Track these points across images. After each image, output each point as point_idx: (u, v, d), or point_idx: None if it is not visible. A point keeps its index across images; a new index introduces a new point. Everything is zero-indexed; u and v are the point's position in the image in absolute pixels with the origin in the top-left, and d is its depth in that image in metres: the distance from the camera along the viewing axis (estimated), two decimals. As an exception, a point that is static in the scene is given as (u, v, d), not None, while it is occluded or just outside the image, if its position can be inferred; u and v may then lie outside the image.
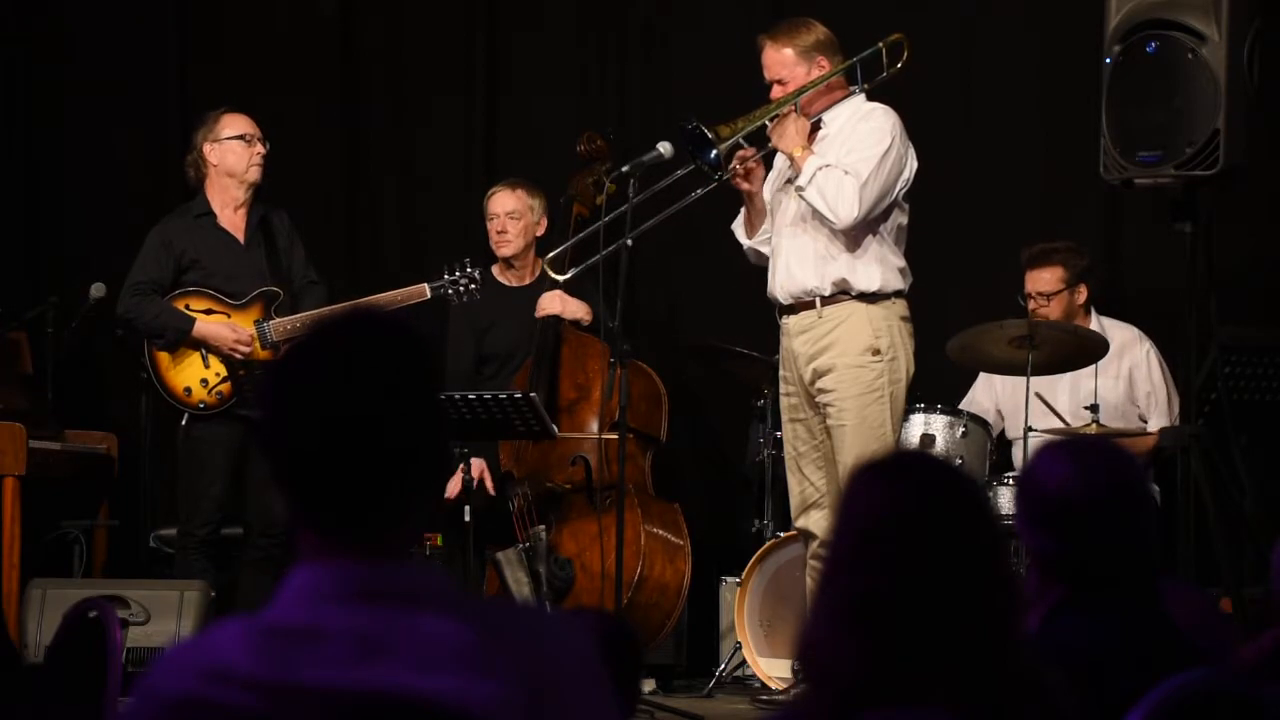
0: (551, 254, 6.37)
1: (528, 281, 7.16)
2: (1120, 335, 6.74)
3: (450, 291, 6.83)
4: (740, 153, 5.87)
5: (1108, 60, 5.49)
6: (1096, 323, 6.77)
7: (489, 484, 6.83)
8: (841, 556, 2.09)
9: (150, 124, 8.16)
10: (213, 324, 6.69)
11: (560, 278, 6.32)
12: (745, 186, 5.95)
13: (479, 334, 7.10)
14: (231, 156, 6.79)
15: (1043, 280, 6.74)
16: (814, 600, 2.11)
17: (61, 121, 8.19)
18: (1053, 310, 6.71)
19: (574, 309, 6.97)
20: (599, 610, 5.42)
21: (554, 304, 6.94)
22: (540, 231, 7.14)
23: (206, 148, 6.80)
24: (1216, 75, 5.31)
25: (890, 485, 2.10)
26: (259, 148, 6.80)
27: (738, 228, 6.09)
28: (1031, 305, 6.72)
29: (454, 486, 6.46)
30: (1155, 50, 5.41)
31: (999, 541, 2.14)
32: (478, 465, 6.64)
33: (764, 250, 6.01)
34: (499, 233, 7.10)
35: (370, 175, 8.14)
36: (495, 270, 7.16)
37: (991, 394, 6.90)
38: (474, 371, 7.07)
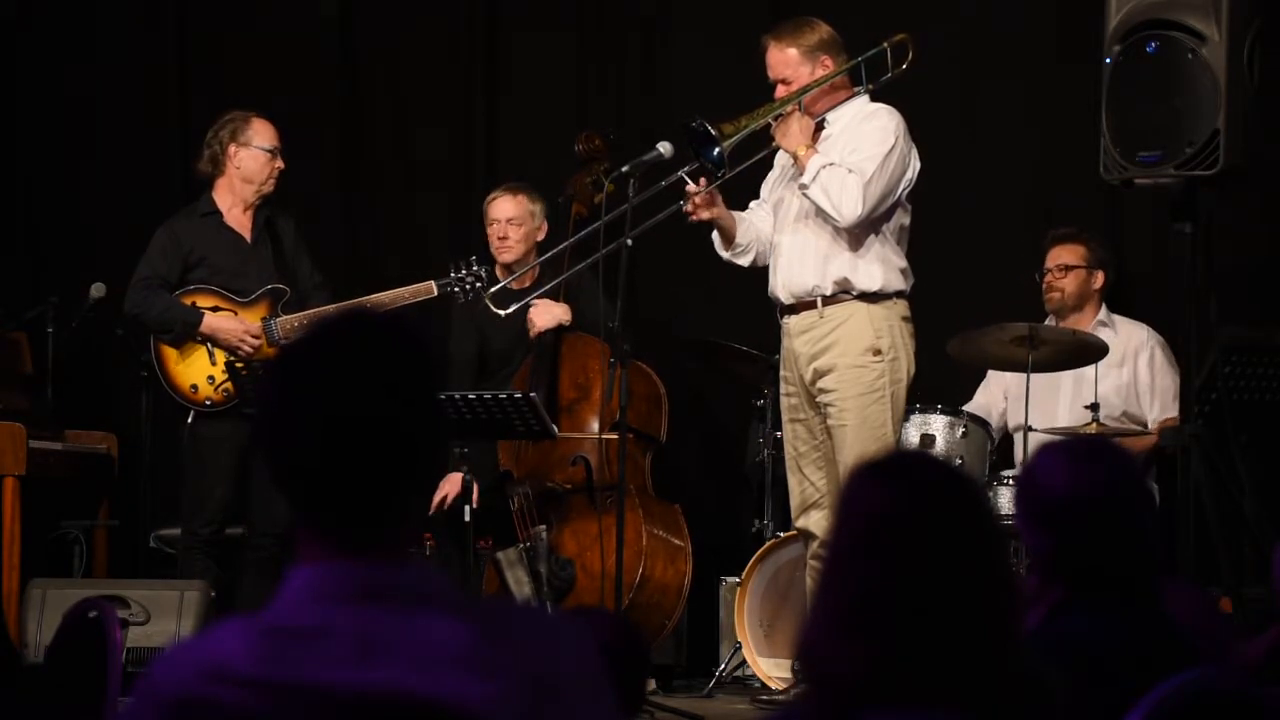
0: (492, 289, 6.43)
1: (528, 285, 7.14)
2: (1133, 334, 6.75)
3: (457, 289, 6.82)
4: (689, 188, 5.87)
5: (1108, 60, 5.49)
6: (1106, 315, 6.78)
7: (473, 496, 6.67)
8: (841, 556, 2.09)
9: (150, 124, 8.15)
10: (221, 318, 6.69)
11: (502, 313, 6.33)
12: (706, 217, 5.94)
13: (480, 335, 7.09)
14: (255, 165, 6.78)
15: (1063, 255, 6.79)
16: (814, 600, 2.11)
17: (61, 121, 8.19)
18: (1068, 284, 6.75)
19: (556, 314, 6.92)
20: (605, 611, 5.41)
21: (540, 318, 6.90)
22: (541, 236, 7.10)
23: (232, 148, 6.79)
24: (1216, 75, 5.31)
25: (890, 485, 2.09)
26: (279, 162, 6.81)
27: (715, 242, 6.09)
28: (1048, 279, 6.77)
29: (453, 488, 6.46)
30: (1155, 50, 5.41)
31: (999, 541, 2.14)
32: (455, 479, 6.51)
33: (741, 262, 6.03)
34: (499, 239, 7.05)
35: (370, 176, 8.14)
36: (496, 273, 7.13)
37: (1001, 382, 6.89)
38: (478, 365, 7.05)
